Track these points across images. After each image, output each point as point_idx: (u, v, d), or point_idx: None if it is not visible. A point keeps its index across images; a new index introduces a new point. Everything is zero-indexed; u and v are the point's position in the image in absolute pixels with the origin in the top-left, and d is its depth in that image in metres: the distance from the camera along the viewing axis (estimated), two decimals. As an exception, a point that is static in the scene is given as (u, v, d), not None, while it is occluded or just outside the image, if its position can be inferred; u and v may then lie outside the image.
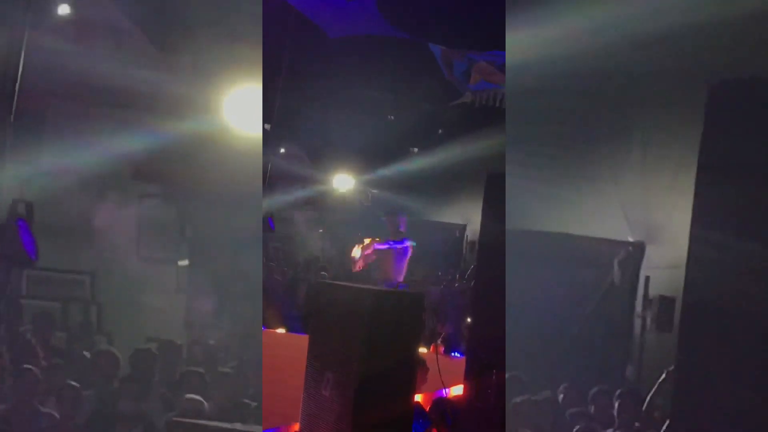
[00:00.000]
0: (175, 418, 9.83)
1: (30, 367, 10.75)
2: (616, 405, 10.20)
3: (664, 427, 8.77)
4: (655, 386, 10.21)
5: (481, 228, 8.40)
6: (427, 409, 10.11)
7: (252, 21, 10.06)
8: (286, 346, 12.27)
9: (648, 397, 10.26)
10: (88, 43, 14.43)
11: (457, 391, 9.59)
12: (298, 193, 25.18)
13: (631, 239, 12.38)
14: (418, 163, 23.71)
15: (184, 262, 16.01)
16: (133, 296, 14.98)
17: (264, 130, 19.26)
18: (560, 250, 12.39)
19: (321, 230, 28.97)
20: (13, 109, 11.11)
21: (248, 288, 14.28)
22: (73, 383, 10.75)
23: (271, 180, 21.30)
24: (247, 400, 11.05)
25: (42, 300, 14.33)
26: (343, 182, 25.84)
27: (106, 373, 11.48)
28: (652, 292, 12.54)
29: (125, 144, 13.41)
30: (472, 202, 24.35)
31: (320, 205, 27.37)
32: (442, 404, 9.98)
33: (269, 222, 23.62)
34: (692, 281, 6.51)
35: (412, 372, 7.67)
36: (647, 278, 12.61)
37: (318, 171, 25.17)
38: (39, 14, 13.35)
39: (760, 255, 5.95)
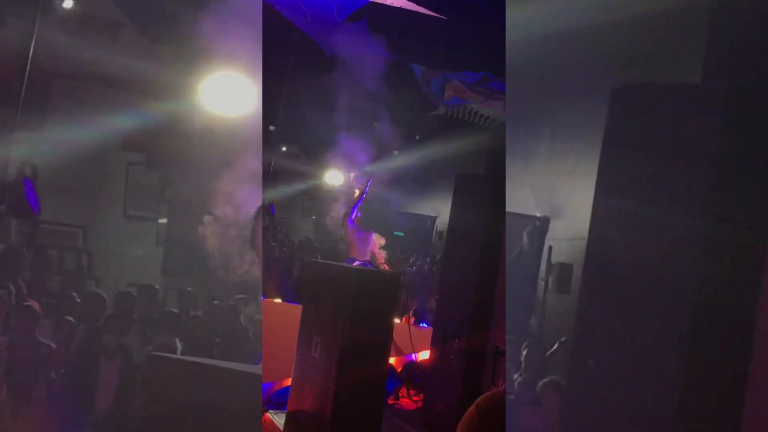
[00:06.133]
0: (152, 353, 9.70)
1: (29, 304, 10.61)
2: (524, 353, 10.13)
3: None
4: (556, 345, 10.15)
5: (450, 220, 8.40)
6: (399, 370, 10.07)
7: (234, 18, 9.87)
8: (282, 313, 12.22)
9: (549, 352, 10.20)
10: (88, 33, 14.31)
11: (424, 355, 9.58)
12: (296, 185, 25.26)
13: (538, 214, 12.30)
14: (398, 162, 23.78)
15: (163, 220, 15.91)
16: (118, 247, 14.95)
17: (269, 130, 19.39)
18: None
19: (314, 217, 29.35)
20: (24, 87, 10.88)
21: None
22: (70, 318, 10.65)
23: (274, 173, 21.51)
24: (216, 339, 10.96)
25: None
26: (334, 177, 25.78)
27: (94, 311, 11.29)
28: (554, 259, 12.50)
29: (116, 119, 13.30)
30: (442, 198, 24.52)
31: (314, 195, 27.66)
32: (411, 366, 9.97)
33: (270, 208, 24.12)
34: (593, 247, 6.37)
35: (387, 339, 7.60)
36: (550, 248, 12.56)
37: (313, 167, 25.34)
38: (48, 8, 13.21)
39: (653, 220, 5.84)
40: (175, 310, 11.88)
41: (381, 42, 15.78)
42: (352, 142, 20.94)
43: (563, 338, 9.86)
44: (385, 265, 15.97)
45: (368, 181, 16.29)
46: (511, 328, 11.00)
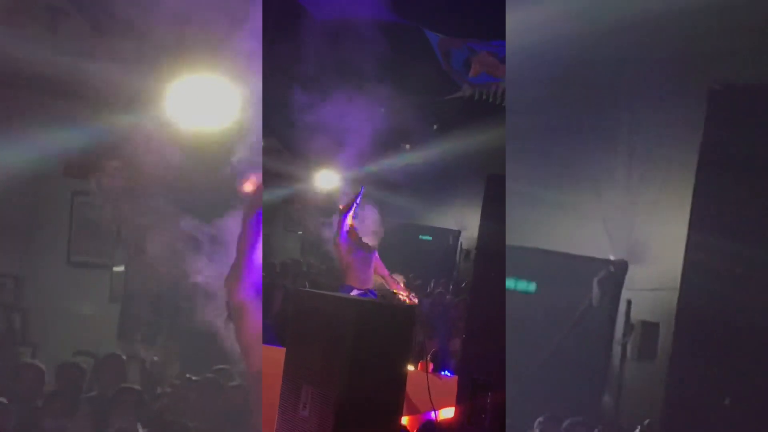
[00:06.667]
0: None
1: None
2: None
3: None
4: (638, 430, 10.15)
5: (479, 235, 8.39)
6: None
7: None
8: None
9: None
10: (19, 24, 14.30)
11: (447, 413, 9.57)
12: (277, 191, 25.19)
13: (612, 257, 12.30)
14: (409, 160, 23.89)
15: (119, 268, 15.88)
16: (61, 304, 14.82)
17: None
18: (533, 267, 12.35)
19: (300, 232, 29.20)
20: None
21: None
22: (3, 400, 10.62)
23: (246, 175, 21.49)
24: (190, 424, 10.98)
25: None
26: (325, 180, 25.78)
27: (29, 388, 11.32)
28: (634, 316, 12.49)
29: (57, 136, 13.28)
30: (468, 206, 24.61)
31: (300, 204, 27.41)
32: (430, 428, 9.94)
33: None
34: (686, 300, 6.37)
35: (399, 392, 7.61)
36: (629, 301, 12.55)
37: (298, 166, 25.18)
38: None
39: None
40: (137, 387, 11.86)
41: (386, 1, 15.84)
42: (349, 133, 20.94)
43: (647, 421, 9.87)
44: (402, 292, 15.87)
45: (360, 189, 16.32)
46: (576, 407, 11.04)
